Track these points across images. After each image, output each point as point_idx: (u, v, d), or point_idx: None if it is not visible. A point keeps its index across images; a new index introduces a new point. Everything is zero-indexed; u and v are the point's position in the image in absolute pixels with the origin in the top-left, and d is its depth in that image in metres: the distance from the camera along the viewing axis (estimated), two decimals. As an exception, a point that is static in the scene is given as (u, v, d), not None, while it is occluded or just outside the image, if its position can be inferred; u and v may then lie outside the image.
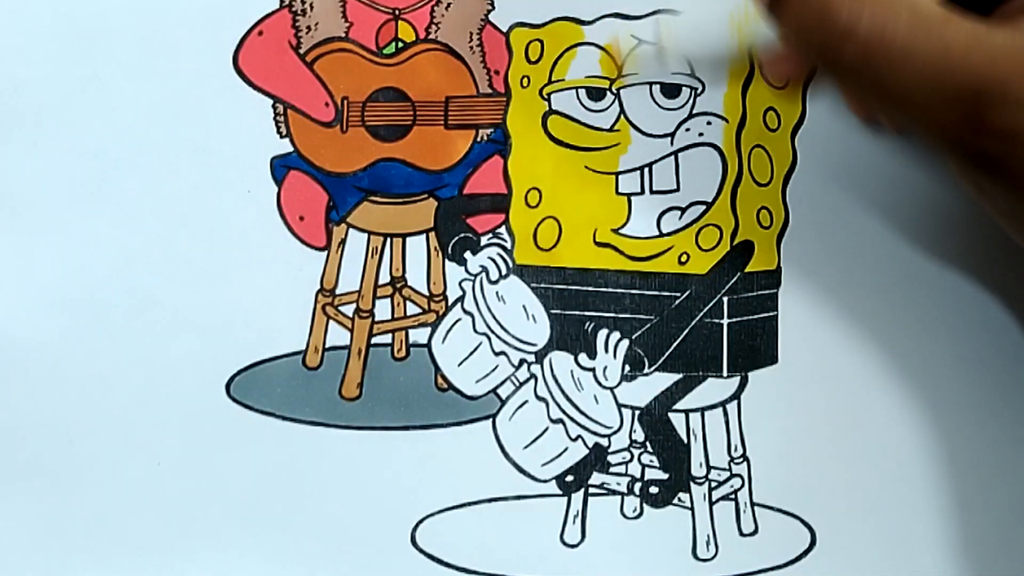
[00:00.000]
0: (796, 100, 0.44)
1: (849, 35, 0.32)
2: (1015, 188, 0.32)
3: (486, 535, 0.45)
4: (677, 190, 0.44)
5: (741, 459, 0.45)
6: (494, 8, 0.45)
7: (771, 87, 0.44)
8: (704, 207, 0.44)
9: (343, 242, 0.45)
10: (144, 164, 0.45)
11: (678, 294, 0.44)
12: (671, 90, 0.44)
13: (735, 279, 0.44)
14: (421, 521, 0.45)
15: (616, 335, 0.44)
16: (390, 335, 0.46)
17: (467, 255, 0.45)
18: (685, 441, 0.45)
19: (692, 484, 0.45)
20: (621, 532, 0.45)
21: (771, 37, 0.37)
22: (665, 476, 0.45)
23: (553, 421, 0.44)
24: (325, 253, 0.45)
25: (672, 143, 0.44)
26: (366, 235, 0.45)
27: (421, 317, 0.45)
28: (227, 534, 0.45)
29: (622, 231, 0.44)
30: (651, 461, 0.45)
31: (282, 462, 0.45)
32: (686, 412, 0.45)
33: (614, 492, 0.45)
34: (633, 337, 0.44)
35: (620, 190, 0.44)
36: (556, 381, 0.44)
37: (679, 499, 0.45)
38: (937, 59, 0.31)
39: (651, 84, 0.44)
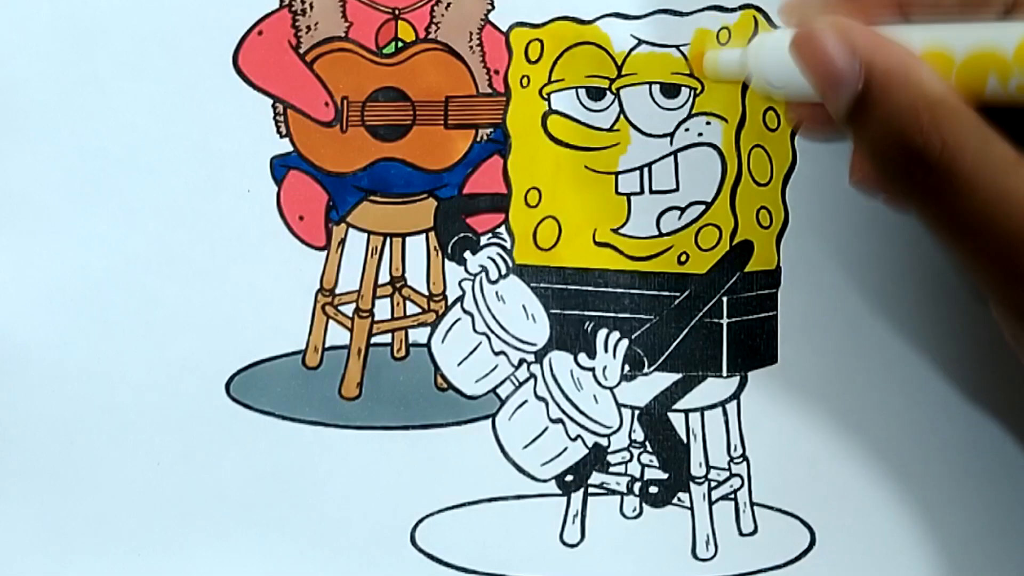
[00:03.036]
0: None
1: (920, 159, 0.33)
2: None
3: (486, 535, 0.45)
4: (676, 190, 0.44)
5: (741, 459, 0.45)
6: (494, 8, 0.45)
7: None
8: (703, 207, 0.44)
9: (343, 242, 0.45)
10: (144, 164, 0.45)
11: (678, 294, 0.44)
12: (670, 90, 0.44)
13: (735, 279, 0.44)
14: (421, 521, 0.45)
15: (616, 335, 0.44)
16: (390, 335, 0.46)
17: (467, 255, 0.45)
18: (685, 441, 0.45)
19: (692, 484, 0.45)
20: (620, 532, 0.45)
21: None
22: (664, 476, 0.45)
23: (553, 421, 0.44)
24: (325, 253, 0.45)
25: (671, 143, 0.44)
26: (366, 235, 0.46)
27: (421, 317, 0.45)
28: (227, 534, 0.45)
29: (622, 231, 0.44)
30: (651, 461, 0.45)
31: (282, 462, 0.45)
32: (686, 412, 0.45)
33: (613, 492, 0.45)
34: (633, 337, 0.44)
35: (620, 190, 0.44)
36: (556, 381, 0.44)
37: (678, 499, 0.45)
38: (997, 200, 0.32)
39: (650, 84, 0.44)
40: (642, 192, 0.44)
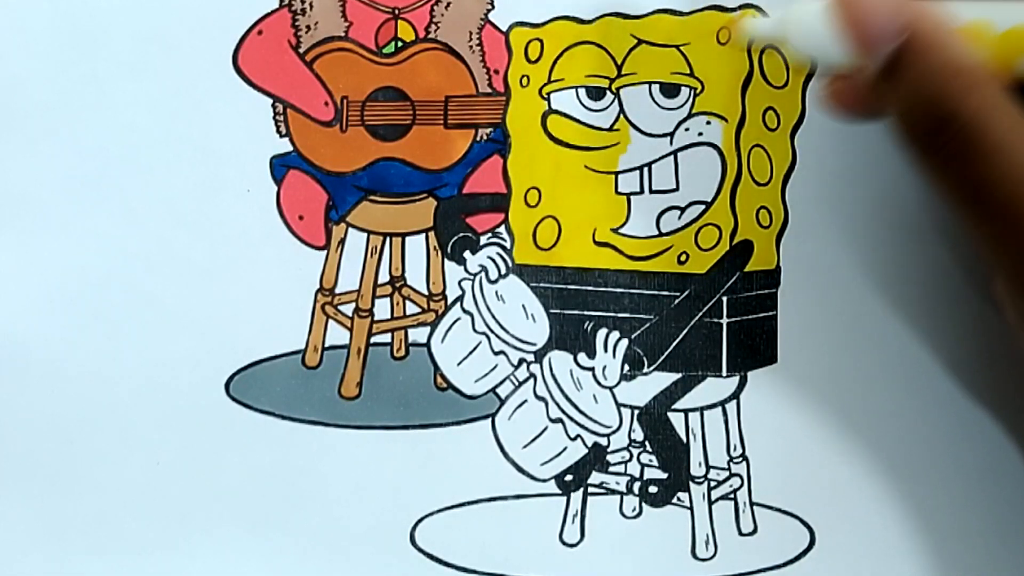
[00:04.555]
0: (796, 99, 0.44)
1: (948, 124, 0.33)
2: None
3: (485, 535, 0.45)
4: (676, 190, 0.44)
5: (740, 458, 0.45)
6: (494, 7, 0.45)
7: (771, 87, 0.44)
8: (703, 207, 0.44)
9: (342, 241, 0.45)
10: (143, 163, 0.45)
11: (677, 293, 0.44)
12: (670, 90, 0.44)
13: (734, 279, 0.44)
14: (420, 520, 0.45)
15: (615, 334, 0.44)
16: (389, 334, 0.46)
17: (466, 254, 0.45)
18: (684, 441, 0.45)
19: (691, 483, 0.45)
20: (620, 531, 0.45)
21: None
22: (664, 475, 0.45)
23: (552, 420, 0.44)
24: (324, 252, 0.45)
25: (671, 143, 0.44)
26: (365, 234, 0.46)
27: (420, 316, 0.45)
28: (226, 533, 0.45)
29: (621, 231, 0.44)
30: (650, 460, 0.45)
31: (281, 461, 0.45)
32: (685, 411, 0.45)
33: (613, 491, 0.45)
34: (632, 336, 0.44)
35: (619, 190, 0.44)
36: (555, 380, 0.44)
37: (678, 498, 0.45)
38: (1021, 172, 0.32)
39: (650, 83, 0.44)
40: (642, 192, 0.44)
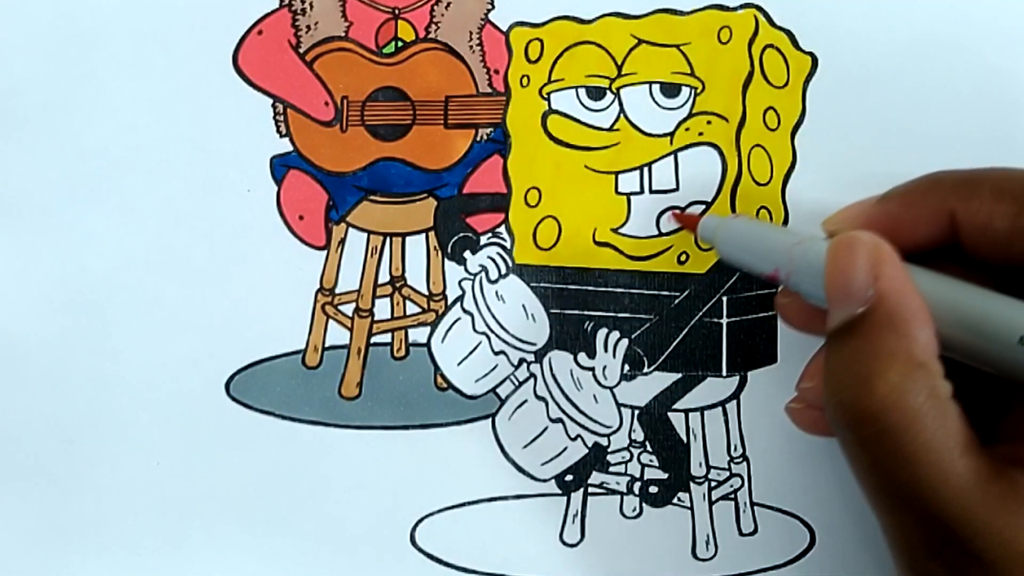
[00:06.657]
0: (796, 99, 0.44)
1: (874, 416, 0.32)
2: None
3: (485, 534, 0.45)
4: (676, 190, 0.44)
5: (740, 459, 0.45)
6: (494, 7, 0.45)
7: (771, 87, 0.44)
8: (704, 207, 0.44)
9: (343, 241, 0.45)
10: (144, 163, 0.45)
11: (677, 293, 0.44)
12: (670, 89, 0.44)
13: (734, 278, 0.44)
14: (421, 520, 0.45)
15: (616, 334, 0.44)
16: (390, 334, 0.46)
17: (466, 254, 0.45)
18: (684, 441, 0.45)
19: (692, 484, 0.45)
20: (620, 532, 0.45)
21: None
22: (664, 476, 0.45)
23: (552, 420, 0.44)
24: (325, 252, 0.45)
25: (672, 143, 0.44)
26: (366, 234, 0.46)
27: (420, 316, 0.45)
28: (226, 533, 0.45)
29: (621, 231, 0.44)
30: (650, 461, 0.45)
31: (281, 461, 0.45)
32: (685, 412, 0.45)
33: (613, 492, 0.45)
34: (632, 336, 0.44)
35: (619, 190, 0.44)
36: (555, 380, 0.44)
37: (678, 499, 0.45)
38: (938, 482, 0.32)
39: (650, 83, 0.44)
40: (642, 192, 0.44)
